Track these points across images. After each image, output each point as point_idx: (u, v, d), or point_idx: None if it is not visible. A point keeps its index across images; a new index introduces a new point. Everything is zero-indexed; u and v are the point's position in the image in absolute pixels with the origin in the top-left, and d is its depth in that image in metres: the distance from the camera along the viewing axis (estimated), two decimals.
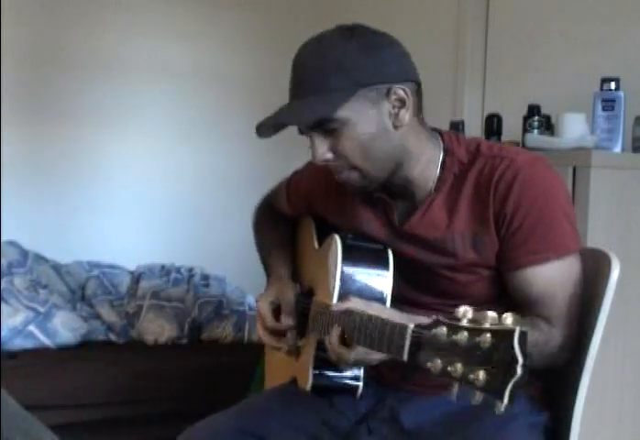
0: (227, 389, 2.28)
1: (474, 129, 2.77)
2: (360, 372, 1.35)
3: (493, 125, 2.48)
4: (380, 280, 1.37)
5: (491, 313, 0.85)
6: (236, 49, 3.52)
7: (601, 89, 2.19)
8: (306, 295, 1.53)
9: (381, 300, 1.35)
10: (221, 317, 2.83)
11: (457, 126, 2.58)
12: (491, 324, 0.84)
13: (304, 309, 1.50)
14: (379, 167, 1.31)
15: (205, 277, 3.04)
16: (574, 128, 2.18)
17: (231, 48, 3.52)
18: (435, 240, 1.34)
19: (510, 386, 0.82)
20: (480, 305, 1.32)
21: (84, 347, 2.61)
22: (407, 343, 1.01)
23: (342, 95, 1.25)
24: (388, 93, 1.27)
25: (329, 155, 1.30)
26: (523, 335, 0.82)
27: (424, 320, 1.20)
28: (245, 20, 3.52)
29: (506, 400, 0.82)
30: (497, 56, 2.91)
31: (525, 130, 2.32)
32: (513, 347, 0.81)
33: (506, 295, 1.32)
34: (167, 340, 2.72)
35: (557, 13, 2.67)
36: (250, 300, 2.94)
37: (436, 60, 3.06)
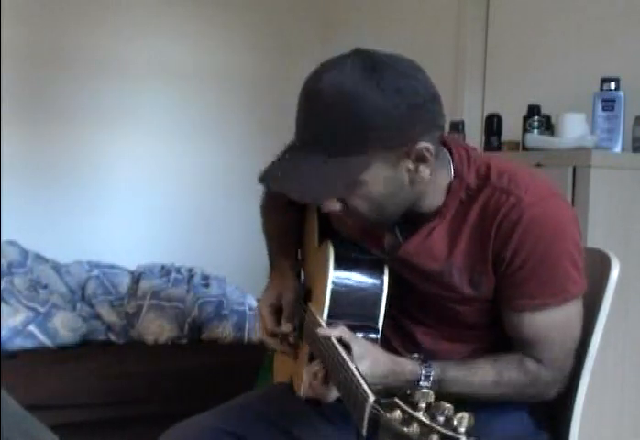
0: (227, 389, 2.27)
1: (474, 129, 2.77)
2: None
3: (493, 125, 2.48)
4: (374, 296, 1.32)
5: (448, 407, 0.84)
6: (236, 49, 3.52)
7: (601, 89, 2.20)
8: (305, 296, 1.53)
9: (373, 316, 1.31)
10: (221, 317, 2.83)
11: (457, 126, 2.58)
12: (444, 423, 0.83)
13: (302, 314, 1.50)
14: (390, 215, 1.25)
15: (205, 277, 3.04)
16: (574, 128, 2.19)
17: (231, 48, 3.52)
18: (432, 271, 1.28)
19: None
20: (473, 330, 1.33)
21: (84, 347, 2.61)
22: (366, 418, 0.97)
23: (362, 161, 1.14)
24: (409, 153, 1.16)
25: (337, 206, 1.21)
26: None
27: (409, 366, 1.21)
28: (245, 20, 3.52)
29: None
30: (497, 56, 2.91)
31: (525, 130, 2.32)
32: None
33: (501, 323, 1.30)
34: (167, 340, 2.72)
35: (556, 13, 2.67)
36: (250, 300, 2.94)
37: (436, 60, 3.06)
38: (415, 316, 1.37)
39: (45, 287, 2.79)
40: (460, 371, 1.23)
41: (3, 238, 2.90)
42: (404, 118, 1.13)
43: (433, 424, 0.83)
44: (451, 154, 1.28)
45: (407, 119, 1.14)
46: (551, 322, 1.24)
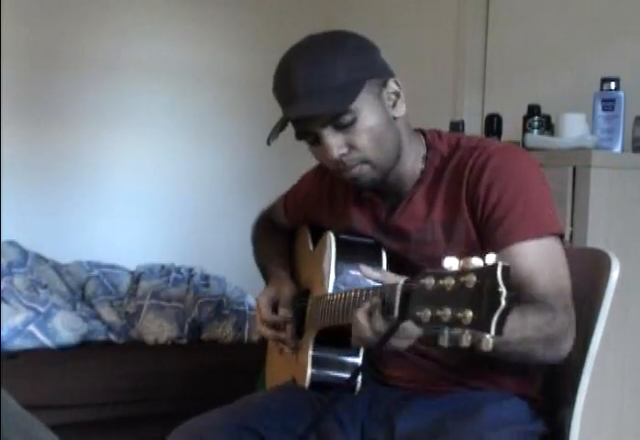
0: (227, 389, 2.28)
1: (474, 129, 2.77)
2: (359, 364, 1.36)
3: (493, 125, 2.48)
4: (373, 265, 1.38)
5: (476, 259, 0.86)
6: (235, 49, 3.52)
7: (601, 89, 2.20)
8: (303, 295, 1.55)
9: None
10: (221, 317, 2.83)
11: (457, 126, 2.58)
12: (476, 265, 0.85)
13: (302, 308, 1.52)
14: (388, 157, 1.35)
15: (205, 277, 3.04)
16: (574, 128, 2.19)
17: (231, 48, 3.51)
18: (416, 231, 1.37)
19: (496, 317, 0.82)
20: None
21: (84, 347, 2.61)
22: (397, 298, 1.03)
23: (354, 87, 1.29)
24: (385, 85, 1.34)
25: (344, 149, 1.32)
26: (505, 269, 0.83)
27: None
28: (245, 20, 3.52)
29: (493, 331, 0.82)
30: (497, 56, 2.91)
31: (525, 130, 2.32)
32: (496, 281, 0.82)
33: None
34: (167, 340, 2.72)
35: (556, 13, 2.67)
36: (250, 300, 2.94)
37: (436, 60, 3.07)
38: None
39: (45, 287, 2.79)
40: None
41: (3, 238, 2.90)
42: (371, 56, 1.35)
43: (467, 267, 0.86)
44: (424, 135, 1.43)
45: (372, 57, 1.35)
46: (538, 255, 1.27)
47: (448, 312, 0.86)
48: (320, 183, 1.59)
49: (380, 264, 1.40)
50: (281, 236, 1.78)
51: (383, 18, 3.29)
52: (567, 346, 1.25)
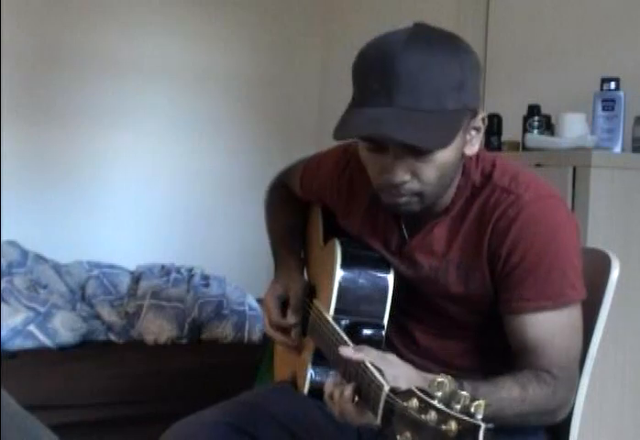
0: (227, 389, 2.27)
1: None
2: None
3: (493, 125, 2.48)
4: (380, 293, 1.34)
5: (465, 395, 0.84)
6: (235, 49, 3.52)
7: (601, 89, 2.20)
8: (309, 293, 1.53)
9: (379, 314, 1.33)
10: (221, 317, 2.83)
11: None
12: (461, 411, 0.83)
13: (306, 310, 1.51)
14: (440, 193, 1.25)
15: (205, 277, 3.04)
16: (574, 128, 2.19)
17: (231, 48, 3.52)
18: (429, 268, 1.30)
19: None
20: (465, 330, 1.33)
21: (84, 347, 2.61)
22: (381, 406, 0.97)
23: (460, 119, 1.16)
24: (474, 118, 1.21)
25: (408, 177, 1.19)
26: (488, 433, 0.81)
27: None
28: (245, 20, 3.52)
29: None
30: (497, 56, 2.90)
31: (525, 130, 2.32)
32: None
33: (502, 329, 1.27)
34: (167, 340, 2.72)
35: (556, 13, 2.67)
36: (250, 300, 2.94)
37: None
38: (413, 315, 1.38)
39: (45, 287, 2.79)
40: (490, 387, 1.16)
41: (3, 238, 2.90)
42: (479, 80, 1.20)
43: (450, 411, 0.83)
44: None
45: (479, 81, 1.20)
46: (551, 326, 1.22)
47: None
48: (339, 178, 1.47)
49: (387, 283, 1.34)
50: (295, 208, 1.67)
51: (383, 19, 3.29)
52: (564, 413, 1.24)
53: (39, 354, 2.49)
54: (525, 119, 2.34)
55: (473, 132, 1.22)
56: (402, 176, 1.18)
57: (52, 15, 3.18)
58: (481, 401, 0.83)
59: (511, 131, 2.46)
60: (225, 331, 2.79)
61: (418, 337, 1.37)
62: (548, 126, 2.33)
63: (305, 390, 1.37)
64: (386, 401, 0.96)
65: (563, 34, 2.63)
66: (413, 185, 1.20)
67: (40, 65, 3.19)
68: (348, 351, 1.11)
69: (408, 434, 0.88)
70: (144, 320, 2.73)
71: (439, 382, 0.87)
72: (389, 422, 0.94)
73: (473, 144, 1.23)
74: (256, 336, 2.78)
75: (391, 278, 1.34)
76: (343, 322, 1.31)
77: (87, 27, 3.24)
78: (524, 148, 2.29)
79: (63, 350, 2.55)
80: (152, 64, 3.35)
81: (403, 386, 1.01)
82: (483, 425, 0.81)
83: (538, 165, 2.12)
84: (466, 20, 2.96)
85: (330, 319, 1.31)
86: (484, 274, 1.25)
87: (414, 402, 0.88)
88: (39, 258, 2.97)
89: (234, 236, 3.45)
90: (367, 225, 1.40)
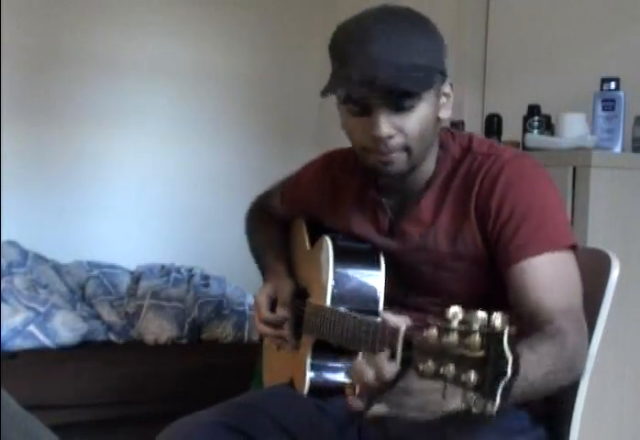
0: (227, 389, 2.27)
1: (474, 129, 2.77)
2: None
3: (493, 125, 2.48)
4: (373, 281, 1.38)
5: (481, 314, 0.84)
6: (235, 49, 3.52)
7: (601, 89, 2.20)
8: (300, 295, 1.54)
9: (374, 300, 1.36)
10: (221, 317, 2.83)
11: (457, 126, 2.58)
12: (481, 326, 0.84)
13: (299, 310, 1.51)
14: (423, 152, 1.32)
15: (205, 277, 3.04)
16: (574, 128, 2.19)
17: (231, 47, 3.51)
18: (419, 236, 1.35)
19: (501, 386, 0.81)
20: (467, 306, 1.34)
21: (84, 347, 2.61)
22: (399, 345, 1.00)
23: (433, 74, 1.26)
24: (443, 83, 1.31)
25: (393, 131, 1.26)
26: (511, 337, 0.82)
27: None
28: (245, 20, 3.51)
29: (498, 401, 0.81)
30: (497, 56, 2.91)
31: (525, 130, 2.32)
32: (502, 348, 0.81)
33: (496, 297, 1.28)
34: (167, 340, 2.72)
35: (556, 13, 2.67)
36: (250, 300, 2.93)
37: None
38: (404, 300, 1.40)
39: (45, 287, 2.79)
40: None
41: (3, 238, 2.90)
42: (442, 52, 1.30)
43: (470, 328, 0.83)
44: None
45: (442, 54, 1.30)
46: (549, 270, 1.24)
47: (452, 370, 0.84)
48: (322, 180, 1.56)
49: (379, 271, 1.38)
50: (276, 226, 1.74)
51: None
52: (583, 364, 1.22)
53: (39, 354, 2.49)
54: (525, 119, 2.34)
55: (443, 98, 1.32)
56: (389, 130, 1.25)
57: (52, 15, 3.18)
58: (498, 313, 0.83)
59: (511, 131, 2.46)
60: (225, 331, 2.79)
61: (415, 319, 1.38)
62: (548, 126, 2.33)
63: (305, 389, 1.37)
64: (405, 338, 0.99)
65: (563, 34, 2.63)
66: (399, 139, 1.27)
67: (40, 65, 3.19)
68: (391, 316, 1.11)
69: (430, 363, 0.87)
70: (144, 320, 2.73)
71: (453, 312, 0.87)
72: (409, 358, 0.94)
73: (447, 108, 1.33)
74: (256, 336, 2.77)
75: (382, 266, 1.38)
76: (340, 309, 1.33)
77: (87, 27, 3.24)
78: (524, 148, 2.29)
79: (63, 350, 2.55)
80: (152, 64, 3.35)
81: None
82: (507, 328, 0.81)
83: None
84: (466, 20, 2.96)
85: (330, 305, 1.34)
86: (474, 234, 1.30)
87: (433, 331, 0.89)
88: (39, 258, 2.97)
89: (234, 236, 3.43)
90: (354, 216, 1.45)
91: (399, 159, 1.29)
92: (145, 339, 2.71)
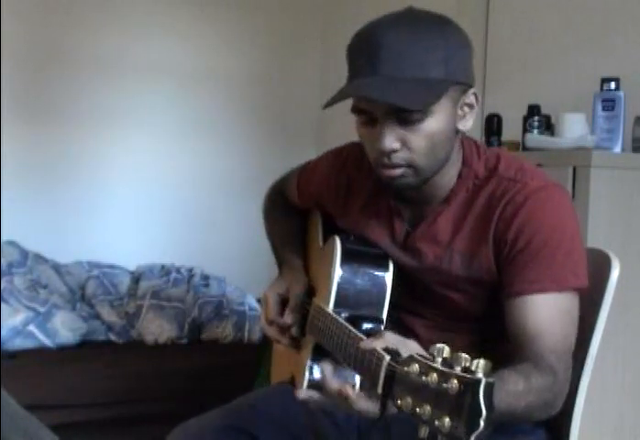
0: (227, 389, 2.28)
1: (474, 129, 2.74)
2: (355, 378, 1.34)
3: (493, 125, 2.48)
4: (379, 287, 1.35)
5: (465, 357, 0.84)
6: (235, 49, 3.52)
7: (601, 89, 2.20)
8: (308, 293, 1.54)
9: (379, 306, 1.34)
10: (221, 317, 2.83)
11: None
12: (462, 368, 0.83)
13: (306, 309, 1.51)
14: (434, 167, 1.26)
15: (205, 277, 3.04)
16: (574, 128, 2.19)
17: (231, 48, 3.52)
18: (434, 257, 1.31)
19: (473, 437, 0.81)
20: (467, 322, 1.33)
21: (84, 347, 2.62)
22: (382, 375, 0.98)
23: (442, 87, 1.19)
24: (465, 93, 1.25)
25: (397, 145, 1.22)
26: (489, 387, 0.81)
27: None
28: (245, 20, 3.52)
29: None
30: (497, 56, 2.91)
31: (525, 130, 2.32)
32: (478, 399, 0.80)
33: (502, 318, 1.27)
34: (167, 340, 2.72)
35: (556, 13, 2.67)
36: (250, 300, 2.94)
37: None
38: (415, 310, 1.38)
39: (45, 287, 2.79)
40: (497, 380, 1.17)
41: (3, 238, 2.90)
42: (467, 56, 1.24)
43: (451, 371, 0.83)
44: (462, 144, 1.33)
45: (468, 57, 1.24)
46: (552, 310, 1.22)
47: (428, 412, 0.84)
48: (338, 176, 1.48)
49: (386, 277, 1.35)
50: (294, 214, 1.69)
51: None
52: (561, 403, 1.22)
53: (39, 354, 2.50)
54: (525, 119, 2.34)
55: (466, 108, 1.26)
56: (391, 143, 1.21)
57: (52, 15, 3.18)
58: (482, 360, 0.83)
59: (511, 131, 2.46)
60: (225, 331, 2.79)
61: (419, 331, 1.37)
62: (548, 126, 2.33)
63: (302, 394, 1.37)
64: (387, 369, 0.97)
65: (563, 34, 2.63)
66: (404, 154, 1.22)
67: (40, 65, 3.19)
68: (368, 343, 1.09)
69: (409, 399, 0.88)
70: (144, 320, 2.74)
71: (439, 348, 0.87)
72: (390, 389, 0.94)
73: (467, 119, 1.27)
74: (256, 336, 2.78)
75: (390, 272, 1.36)
76: (342, 315, 1.32)
77: (87, 27, 3.24)
78: (524, 148, 2.29)
79: (63, 350, 2.55)
80: (152, 65, 3.35)
81: None
82: (484, 380, 0.81)
83: (538, 165, 2.11)
84: (466, 20, 2.95)
85: (331, 311, 1.32)
86: (489, 259, 1.27)
87: (415, 367, 0.89)
88: (39, 258, 2.97)
89: (234, 236, 3.45)
90: (368, 220, 1.40)
91: (406, 175, 1.25)
92: (145, 339, 2.71)
